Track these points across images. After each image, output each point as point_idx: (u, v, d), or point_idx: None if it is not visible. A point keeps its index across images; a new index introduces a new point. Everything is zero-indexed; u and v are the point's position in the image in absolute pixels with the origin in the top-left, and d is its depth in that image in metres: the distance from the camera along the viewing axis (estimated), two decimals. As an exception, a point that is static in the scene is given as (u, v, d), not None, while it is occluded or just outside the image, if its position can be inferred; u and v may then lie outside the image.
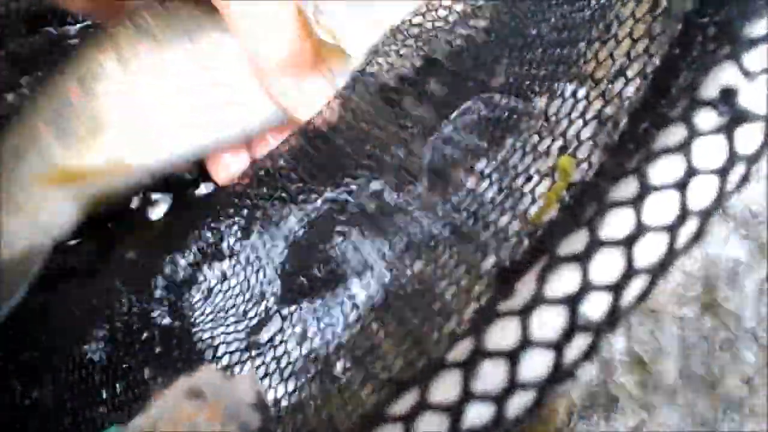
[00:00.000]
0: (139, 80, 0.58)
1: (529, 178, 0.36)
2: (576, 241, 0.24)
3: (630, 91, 0.34)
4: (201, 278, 0.58)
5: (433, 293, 0.36)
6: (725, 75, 0.24)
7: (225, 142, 0.59)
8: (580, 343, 0.23)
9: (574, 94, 0.36)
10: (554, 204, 0.35)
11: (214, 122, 0.59)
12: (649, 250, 0.22)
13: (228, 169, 0.61)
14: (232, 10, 0.48)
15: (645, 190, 0.23)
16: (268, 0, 0.48)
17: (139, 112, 0.58)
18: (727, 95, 0.24)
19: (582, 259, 0.22)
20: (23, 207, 0.60)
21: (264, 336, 0.50)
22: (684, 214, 0.23)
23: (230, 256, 0.57)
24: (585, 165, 0.34)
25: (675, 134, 0.25)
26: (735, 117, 0.23)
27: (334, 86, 0.54)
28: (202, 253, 0.59)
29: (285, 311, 0.50)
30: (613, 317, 0.23)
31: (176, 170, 0.64)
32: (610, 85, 0.35)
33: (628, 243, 0.22)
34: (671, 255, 0.21)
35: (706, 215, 0.22)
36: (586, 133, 0.34)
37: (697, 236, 0.22)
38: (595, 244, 0.23)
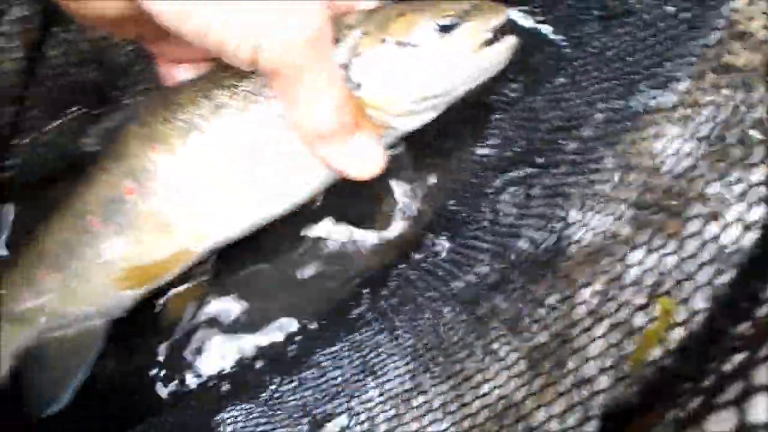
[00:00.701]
0: (195, 169, 0.57)
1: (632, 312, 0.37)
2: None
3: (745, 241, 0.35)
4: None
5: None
6: None
7: (286, 211, 0.60)
8: None
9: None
10: (655, 344, 0.36)
11: (275, 193, 0.59)
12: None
13: None
14: (281, 81, 0.48)
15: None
16: (313, 69, 0.48)
17: (200, 199, 0.57)
18: None
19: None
20: (82, 297, 0.59)
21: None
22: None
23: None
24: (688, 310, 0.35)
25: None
26: None
27: (379, 141, 0.53)
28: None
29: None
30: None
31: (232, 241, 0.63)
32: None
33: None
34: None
35: None
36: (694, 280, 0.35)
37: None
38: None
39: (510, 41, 0.55)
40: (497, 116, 0.66)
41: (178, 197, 0.57)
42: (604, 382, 0.35)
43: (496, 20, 0.54)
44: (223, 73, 0.55)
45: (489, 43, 0.54)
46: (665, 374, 0.32)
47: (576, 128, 0.55)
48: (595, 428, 0.33)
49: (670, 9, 0.52)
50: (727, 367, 0.30)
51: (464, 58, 0.54)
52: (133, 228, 0.57)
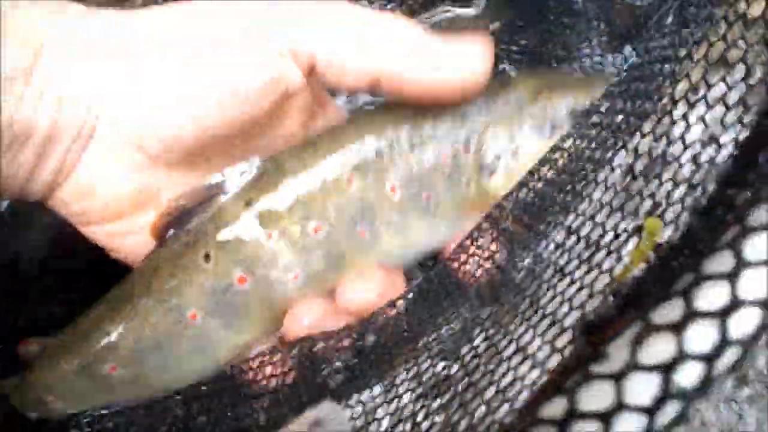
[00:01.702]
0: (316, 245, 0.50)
1: (616, 236, 0.37)
2: (670, 310, 0.25)
3: (720, 157, 0.34)
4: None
5: (516, 344, 0.37)
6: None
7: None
8: (670, 409, 0.24)
9: (663, 154, 0.37)
10: (639, 263, 0.36)
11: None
12: (743, 323, 0.23)
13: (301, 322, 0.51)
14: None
15: (740, 265, 0.24)
16: None
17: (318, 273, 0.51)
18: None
19: (677, 328, 0.23)
20: (159, 386, 0.54)
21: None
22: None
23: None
24: (672, 227, 0.35)
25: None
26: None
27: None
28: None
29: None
30: (705, 386, 0.24)
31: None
32: (701, 149, 0.36)
33: (723, 315, 0.23)
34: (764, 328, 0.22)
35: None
36: (675, 196, 0.35)
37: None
38: (690, 315, 0.24)
39: None
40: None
41: (294, 279, 0.51)
42: (581, 298, 0.35)
43: None
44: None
45: None
46: (639, 285, 0.32)
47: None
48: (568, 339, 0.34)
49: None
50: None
51: None
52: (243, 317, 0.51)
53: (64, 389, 0.54)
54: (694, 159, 0.35)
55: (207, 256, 0.50)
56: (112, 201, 0.48)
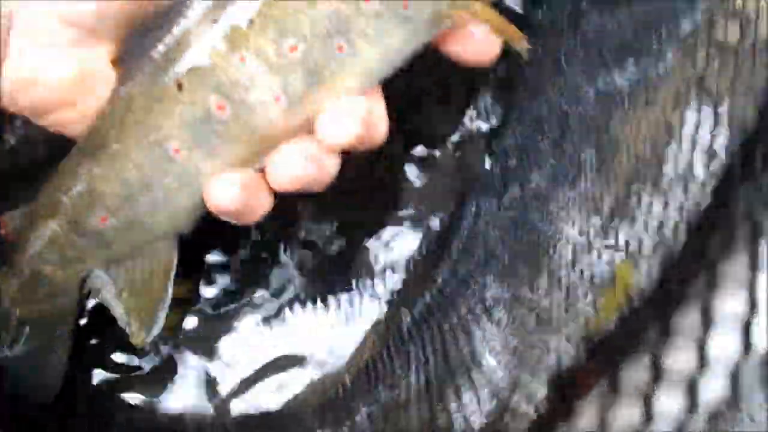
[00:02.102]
0: None
1: (591, 281, 0.37)
2: (640, 368, 0.24)
3: (690, 202, 0.34)
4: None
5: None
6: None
7: None
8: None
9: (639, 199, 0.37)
10: (613, 313, 0.35)
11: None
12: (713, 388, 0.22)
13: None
14: None
15: (708, 325, 0.23)
16: None
17: None
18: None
19: (646, 393, 0.23)
20: (152, 227, 0.54)
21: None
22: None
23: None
24: (645, 274, 0.34)
25: (739, 263, 0.25)
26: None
27: None
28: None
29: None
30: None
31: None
32: (671, 192, 0.36)
33: (691, 380, 0.22)
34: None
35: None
36: (647, 241, 0.34)
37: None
38: (659, 375, 0.23)
39: None
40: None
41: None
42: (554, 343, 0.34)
43: None
44: None
45: None
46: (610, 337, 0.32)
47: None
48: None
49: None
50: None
51: None
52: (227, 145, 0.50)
53: (58, 255, 0.54)
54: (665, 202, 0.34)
55: (180, 86, 0.48)
56: (58, 86, 0.47)
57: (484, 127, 0.62)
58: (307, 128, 0.49)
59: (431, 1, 0.50)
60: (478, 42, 0.51)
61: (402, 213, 0.59)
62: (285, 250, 0.60)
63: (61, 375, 0.57)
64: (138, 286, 0.56)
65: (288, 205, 0.58)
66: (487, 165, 0.59)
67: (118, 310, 0.55)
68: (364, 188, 0.59)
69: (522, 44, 0.48)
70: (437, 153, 0.61)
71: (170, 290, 0.55)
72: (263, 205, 0.48)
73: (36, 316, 0.57)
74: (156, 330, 0.55)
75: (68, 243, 0.53)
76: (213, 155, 0.49)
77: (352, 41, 0.49)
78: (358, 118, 0.49)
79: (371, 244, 0.60)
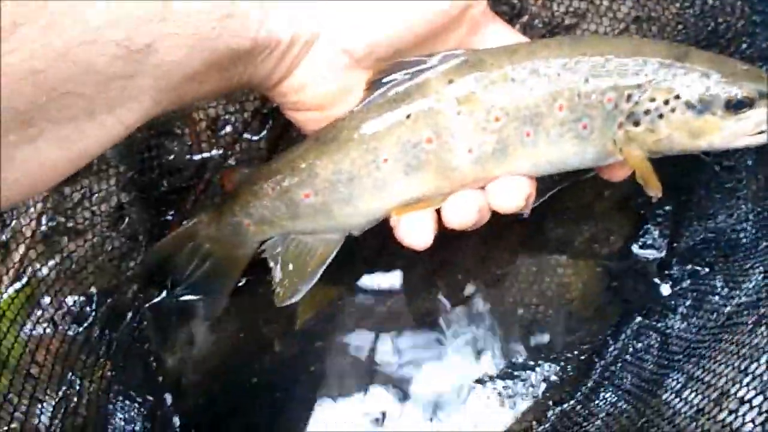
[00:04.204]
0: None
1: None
2: None
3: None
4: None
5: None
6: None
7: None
8: None
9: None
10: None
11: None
12: None
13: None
14: None
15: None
16: None
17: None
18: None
19: None
20: (338, 218, 0.66)
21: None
22: None
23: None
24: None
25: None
26: None
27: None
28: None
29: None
30: None
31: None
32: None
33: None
34: None
35: None
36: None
37: None
38: None
39: None
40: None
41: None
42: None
43: None
44: None
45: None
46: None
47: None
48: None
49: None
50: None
51: (739, 138, 0.60)
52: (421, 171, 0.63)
53: (260, 213, 0.68)
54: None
55: (408, 115, 0.62)
56: (319, 95, 0.61)
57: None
58: (481, 184, 0.64)
59: (602, 134, 0.61)
60: (615, 170, 0.67)
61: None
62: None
63: (221, 305, 0.76)
64: (299, 261, 0.69)
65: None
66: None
67: (276, 273, 0.69)
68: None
69: (656, 194, 0.59)
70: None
71: (317, 276, 0.68)
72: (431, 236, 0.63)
73: (218, 255, 0.72)
74: (292, 300, 0.69)
75: (272, 205, 0.67)
76: (408, 174, 0.63)
77: (538, 133, 0.61)
78: (523, 194, 0.62)
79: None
